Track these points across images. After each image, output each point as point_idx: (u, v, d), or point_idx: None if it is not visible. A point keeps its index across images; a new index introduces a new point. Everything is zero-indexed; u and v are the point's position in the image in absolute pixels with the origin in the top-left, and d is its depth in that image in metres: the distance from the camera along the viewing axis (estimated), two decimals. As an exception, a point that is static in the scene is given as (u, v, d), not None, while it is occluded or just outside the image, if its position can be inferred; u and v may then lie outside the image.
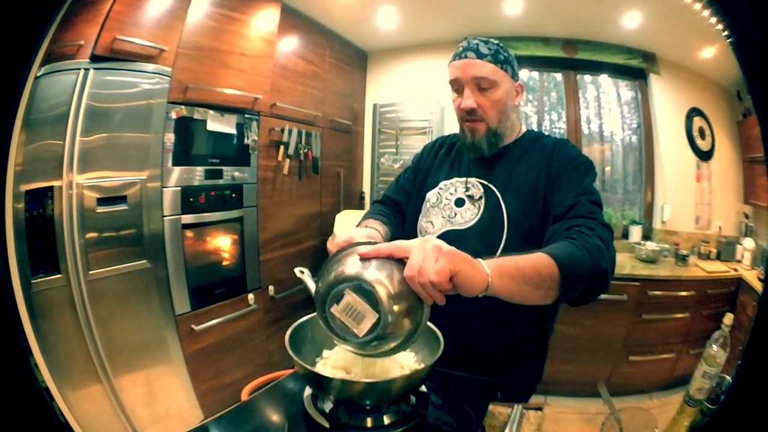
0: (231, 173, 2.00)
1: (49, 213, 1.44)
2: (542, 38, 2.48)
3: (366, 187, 2.79)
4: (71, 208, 1.48)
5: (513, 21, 2.35)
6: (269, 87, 2.13)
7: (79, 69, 1.49)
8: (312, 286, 0.91)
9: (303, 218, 2.37)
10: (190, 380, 1.81)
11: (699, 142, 2.32)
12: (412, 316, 0.65)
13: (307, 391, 0.80)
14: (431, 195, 1.10)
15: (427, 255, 0.63)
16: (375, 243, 0.70)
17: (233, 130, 2.00)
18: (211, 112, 1.90)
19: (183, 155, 1.80)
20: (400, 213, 1.17)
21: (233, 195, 2.02)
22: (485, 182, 1.06)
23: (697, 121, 2.31)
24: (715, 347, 0.80)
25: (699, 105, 2.31)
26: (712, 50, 2.10)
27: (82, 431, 0.96)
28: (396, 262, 0.65)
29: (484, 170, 1.07)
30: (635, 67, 2.45)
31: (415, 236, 1.07)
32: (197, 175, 1.86)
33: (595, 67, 2.54)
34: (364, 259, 0.66)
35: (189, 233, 1.84)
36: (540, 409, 0.90)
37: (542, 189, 1.01)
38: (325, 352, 0.86)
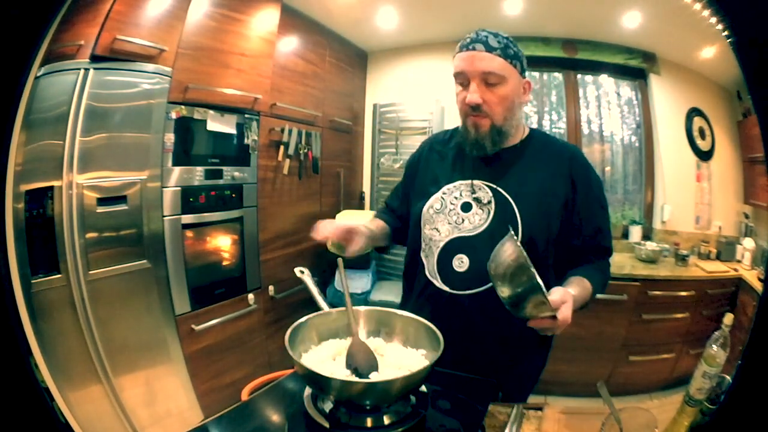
0: (231, 173, 2.00)
1: (49, 213, 1.44)
2: (542, 38, 2.48)
3: (366, 187, 2.78)
4: (71, 208, 1.48)
5: (513, 21, 2.35)
6: (269, 87, 2.13)
7: (79, 69, 1.49)
8: (313, 286, 0.91)
9: (303, 218, 2.37)
10: (190, 380, 1.81)
11: (699, 142, 2.32)
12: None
13: (307, 391, 0.80)
14: (434, 201, 1.05)
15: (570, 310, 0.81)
16: None
17: (233, 130, 2.00)
18: (211, 112, 1.90)
19: (183, 155, 1.80)
20: (396, 215, 1.19)
21: (233, 195, 2.02)
22: (493, 185, 1.01)
23: (697, 121, 2.31)
24: (715, 347, 0.80)
25: (699, 105, 2.31)
26: (712, 50, 2.10)
27: (82, 431, 0.96)
28: None
29: (491, 172, 1.03)
30: (635, 67, 2.45)
31: (419, 247, 1.06)
32: (197, 175, 1.86)
33: (595, 67, 2.54)
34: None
35: (189, 233, 1.84)
36: (540, 409, 0.90)
37: (560, 200, 1.00)
38: (313, 347, 0.86)
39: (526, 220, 0.98)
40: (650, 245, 2.33)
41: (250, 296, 2.09)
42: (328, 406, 0.75)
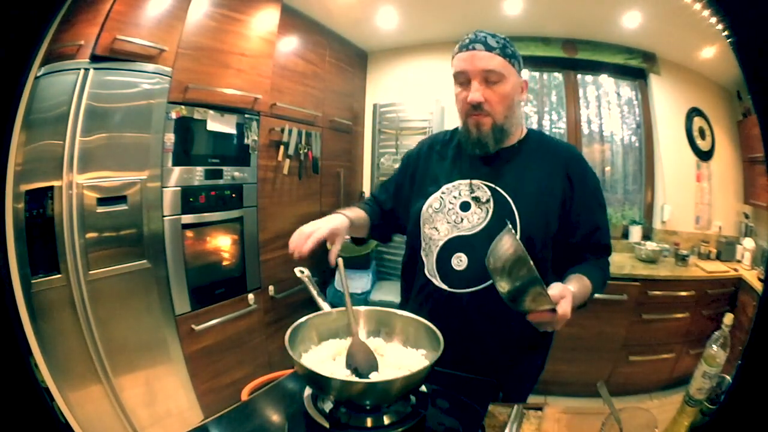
0: (231, 173, 2.00)
1: (49, 213, 1.44)
2: (542, 38, 2.48)
3: (366, 187, 2.78)
4: (71, 208, 1.48)
5: (513, 21, 2.35)
6: (269, 87, 2.13)
7: (79, 69, 1.49)
8: (313, 287, 0.91)
9: (303, 218, 2.35)
10: (190, 380, 1.81)
11: (699, 142, 2.32)
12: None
13: (307, 391, 0.80)
14: (433, 200, 1.06)
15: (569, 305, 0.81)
16: None
17: (233, 130, 2.00)
18: (211, 112, 1.90)
19: (183, 155, 1.80)
20: (381, 209, 1.18)
21: (233, 195, 2.02)
22: (491, 184, 1.02)
23: (697, 121, 2.31)
24: (715, 347, 0.80)
25: (699, 105, 2.31)
26: (712, 50, 2.10)
27: (82, 431, 0.96)
28: None
29: (489, 172, 1.04)
30: (635, 67, 2.45)
31: (419, 245, 1.07)
32: (197, 175, 1.86)
33: (595, 67, 2.54)
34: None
35: (189, 233, 1.84)
36: (540, 409, 0.90)
37: (558, 198, 1.01)
38: (313, 347, 0.86)
39: (525, 219, 0.98)
40: (650, 245, 2.33)
41: (250, 296, 2.09)
42: (328, 406, 0.75)
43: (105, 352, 1.54)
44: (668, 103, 2.42)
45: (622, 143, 2.64)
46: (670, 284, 2.10)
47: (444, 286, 1.01)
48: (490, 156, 1.04)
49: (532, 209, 0.99)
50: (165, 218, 1.74)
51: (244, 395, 0.97)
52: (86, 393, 1.51)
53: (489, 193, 1.02)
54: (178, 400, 1.78)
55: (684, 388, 0.83)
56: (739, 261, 2.14)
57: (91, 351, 1.52)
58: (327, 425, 0.71)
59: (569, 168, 1.03)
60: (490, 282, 0.97)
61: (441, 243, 1.03)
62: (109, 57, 1.55)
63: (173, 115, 1.75)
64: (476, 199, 1.02)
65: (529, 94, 2.65)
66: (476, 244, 0.99)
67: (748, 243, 2.10)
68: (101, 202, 1.56)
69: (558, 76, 2.64)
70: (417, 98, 2.64)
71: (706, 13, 1.52)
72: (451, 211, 1.03)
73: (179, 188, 1.79)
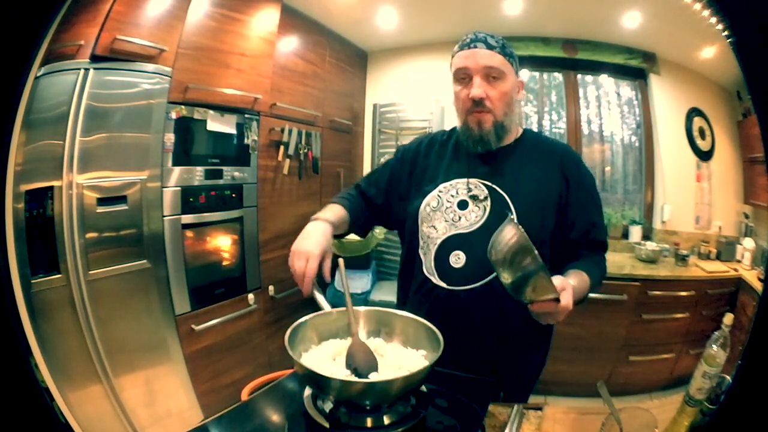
0: (231, 173, 2.00)
1: (49, 213, 1.44)
2: (542, 38, 2.48)
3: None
4: (71, 208, 1.48)
5: (513, 21, 2.35)
6: (269, 87, 2.13)
7: (79, 69, 1.49)
8: (325, 305, 0.90)
9: (303, 218, 2.34)
10: (190, 380, 1.81)
11: (699, 142, 2.32)
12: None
13: (307, 391, 0.80)
14: (430, 199, 1.06)
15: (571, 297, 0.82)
16: None
17: (233, 130, 2.00)
18: (211, 112, 1.90)
19: (183, 155, 1.80)
20: (368, 203, 1.16)
21: (233, 195, 2.02)
22: (489, 183, 1.03)
23: (697, 121, 2.31)
24: (715, 347, 0.80)
25: (699, 105, 2.31)
26: (712, 50, 2.10)
27: (82, 431, 0.96)
28: None
29: (486, 170, 1.05)
30: (635, 67, 2.45)
31: (417, 244, 1.07)
32: (197, 175, 1.86)
33: (595, 67, 2.54)
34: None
35: (189, 233, 1.84)
36: (540, 409, 0.90)
37: (554, 196, 1.02)
38: (313, 347, 0.86)
39: (522, 217, 0.99)
40: (650, 245, 2.33)
41: (250, 296, 2.09)
42: (328, 406, 0.75)
43: (105, 352, 1.54)
44: (668, 103, 2.42)
45: (622, 143, 2.64)
46: (670, 284, 2.10)
47: (443, 284, 1.01)
48: (487, 155, 1.05)
49: (529, 207, 1.00)
50: (165, 218, 1.74)
51: (244, 395, 0.97)
52: (86, 393, 1.51)
53: (486, 191, 1.03)
54: (178, 400, 1.78)
55: (684, 388, 0.83)
56: (739, 261, 2.14)
57: (91, 351, 1.52)
58: (327, 425, 0.71)
59: (565, 166, 1.04)
60: (488, 279, 0.98)
61: (439, 241, 1.03)
62: (109, 57, 1.55)
63: (173, 115, 1.75)
64: (474, 198, 1.03)
65: (529, 94, 2.65)
66: (474, 242, 1.00)
67: (748, 243, 2.10)
68: (101, 202, 1.56)
69: (558, 76, 2.64)
70: (417, 98, 2.64)
71: (706, 13, 1.52)
72: (449, 210, 1.04)
73: (179, 188, 1.79)
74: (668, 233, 2.40)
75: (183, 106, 1.78)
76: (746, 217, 2.14)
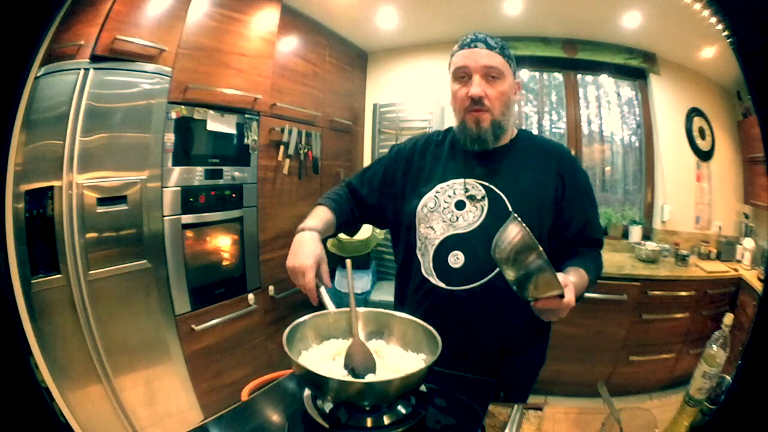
0: (231, 173, 2.00)
1: (49, 213, 1.44)
2: (542, 38, 2.48)
3: (366, 187, 2.78)
4: (71, 208, 1.48)
5: (513, 21, 2.35)
6: (269, 87, 2.13)
7: (79, 69, 1.49)
8: (330, 305, 0.90)
9: (303, 218, 2.36)
10: (190, 380, 1.81)
11: (699, 142, 2.32)
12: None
13: (307, 391, 0.80)
14: (428, 200, 1.06)
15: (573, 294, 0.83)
16: None
17: (233, 130, 2.00)
18: (211, 112, 1.90)
19: (183, 155, 1.80)
20: (357, 202, 1.16)
21: (233, 195, 2.02)
22: (486, 183, 1.04)
23: (697, 121, 2.31)
24: (715, 347, 0.80)
25: (699, 105, 2.31)
26: (712, 50, 2.10)
27: (82, 431, 0.96)
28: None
29: (483, 171, 1.05)
30: (635, 67, 2.45)
31: (414, 244, 1.07)
32: (197, 175, 1.86)
33: (595, 67, 2.54)
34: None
35: (189, 233, 1.84)
36: (540, 409, 0.90)
37: (551, 195, 1.03)
38: (314, 346, 0.86)
39: (519, 216, 0.99)
40: (650, 245, 2.33)
41: (250, 296, 2.09)
42: (328, 406, 0.75)
43: (105, 352, 1.54)
44: (668, 103, 2.42)
45: (622, 143, 2.64)
46: (670, 284, 2.10)
47: (442, 285, 1.02)
48: (483, 155, 1.05)
49: (526, 206, 1.00)
50: (165, 218, 1.74)
51: (244, 395, 0.97)
52: (86, 393, 1.51)
53: (483, 191, 1.03)
54: (178, 400, 1.78)
55: (684, 388, 0.83)
56: (739, 261, 2.14)
57: (91, 351, 1.52)
58: (327, 425, 0.71)
59: (561, 166, 1.05)
60: (488, 278, 0.98)
61: (437, 242, 1.03)
62: (109, 57, 1.55)
63: (173, 115, 1.75)
64: (471, 198, 1.03)
65: (529, 94, 2.65)
66: (472, 242, 1.00)
67: (748, 243, 2.10)
68: (101, 202, 1.56)
69: (558, 76, 2.64)
70: (417, 98, 2.64)
71: (706, 13, 1.52)
72: (447, 210, 1.04)
73: (179, 188, 1.79)
74: (668, 233, 2.40)
75: (183, 106, 1.78)
76: (746, 217, 2.15)
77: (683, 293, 2.08)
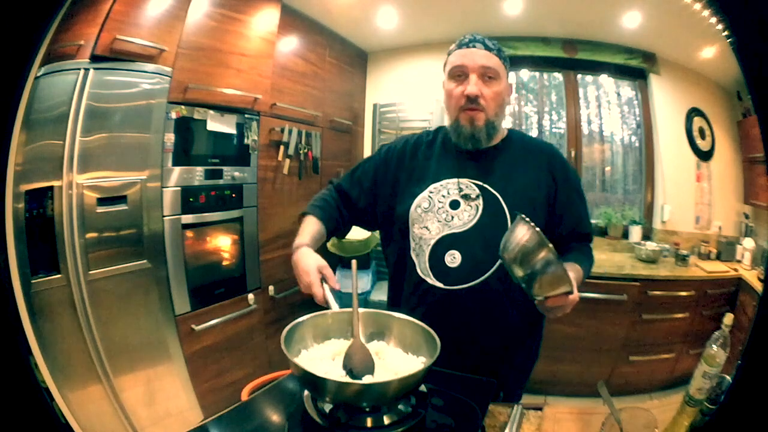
0: (231, 173, 2.00)
1: (49, 213, 1.44)
2: (542, 38, 2.48)
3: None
4: (71, 208, 1.48)
5: (513, 21, 2.35)
6: (269, 87, 2.13)
7: (79, 69, 1.49)
8: (333, 305, 0.90)
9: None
10: (190, 380, 1.81)
11: (699, 142, 2.32)
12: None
13: (307, 390, 0.80)
14: (421, 200, 1.06)
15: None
16: None
17: (233, 130, 2.00)
18: (211, 112, 1.90)
19: (183, 155, 1.80)
20: (348, 204, 1.16)
21: (233, 195, 2.02)
22: (479, 182, 1.05)
23: (697, 121, 2.31)
24: (715, 347, 0.80)
25: (699, 105, 2.31)
26: (712, 50, 2.10)
27: (82, 431, 0.96)
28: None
29: (476, 170, 1.06)
30: (635, 67, 2.45)
31: (408, 245, 1.07)
32: (197, 175, 1.86)
33: (595, 67, 2.54)
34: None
35: (189, 233, 1.84)
36: (540, 409, 0.90)
37: (543, 193, 1.05)
38: (315, 345, 0.86)
39: (514, 214, 1.00)
40: (650, 245, 2.33)
41: (250, 296, 2.09)
42: (327, 406, 0.75)
43: (105, 352, 1.54)
44: (668, 103, 2.42)
45: (622, 143, 2.64)
46: (670, 284, 2.10)
47: (439, 284, 1.02)
48: (476, 154, 1.06)
49: (520, 204, 1.02)
50: (165, 218, 1.74)
51: (244, 395, 0.97)
52: (86, 393, 1.51)
53: (477, 190, 1.04)
54: (178, 400, 1.78)
55: (684, 388, 0.83)
56: (739, 261, 2.14)
57: (91, 351, 1.52)
58: (326, 425, 0.71)
59: (552, 165, 1.08)
60: (485, 277, 0.99)
61: (432, 242, 1.04)
62: (109, 57, 1.55)
63: (173, 115, 1.75)
64: (466, 197, 1.04)
65: (529, 94, 2.65)
66: (469, 241, 1.01)
67: (748, 243, 2.10)
68: (101, 202, 1.56)
69: (558, 76, 2.64)
70: (417, 98, 2.64)
71: (706, 13, 1.52)
72: (441, 210, 1.05)
73: (179, 188, 1.79)
74: (668, 233, 2.40)
75: (183, 106, 1.78)
76: (746, 217, 2.15)
77: (683, 293, 2.08)
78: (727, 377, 0.77)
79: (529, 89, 2.69)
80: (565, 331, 1.99)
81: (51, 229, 1.44)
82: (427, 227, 1.05)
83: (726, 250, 2.19)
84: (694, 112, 2.32)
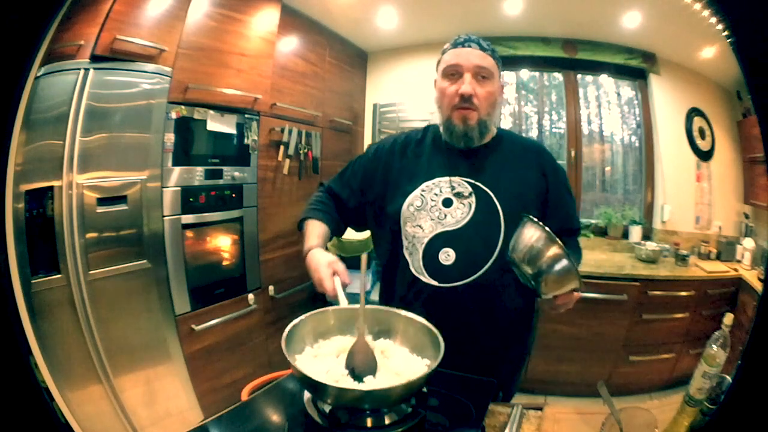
0: (231, 173, 2.00)
1: (49, 213, 1.44)
2: (542, 38, 2.48)
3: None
4: (71, 208, 1.48)
5: (513, 21, 2.35)
6: (269, 87, 2.13)
7: (79, 69, 1.49)
8: (343, 300, 0.90)
9: (303, 218, 2.37)
10: (190, 380, 1.81)
11: (699, 142, 2.32)
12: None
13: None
14: (413, 198, 1.07)
15: None
16: None
17: (233, 130, 2.00)
18: (211, 112, 1.90)
19: (183, 155, 1.80)
20: (339, 206, 1.17)
21: (233, 195, 2.02)
22: (471, 180, 1.06)
23: (697, 121, 2.31)
24: (715, 347, 0.80)
25: (699, 105, 2.31)
26: (712, 50, 2.10)
27: (82, 431, 0.96)
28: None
29: (468, 168, 1.07)
30: (635, 67, 2.45)
31: (400, 244, 1.07)
32: (197, 175, 1.86)
33: (595, 67, 2.54)
34: None
35: (189, 233, 1.84)
36: (540, 409, 0.90)
37: (535, 191, 1.07)
38: (320, 341, 0.86)
39: (507, 211, 1.03)
40: (650, 245, 2.33)
41: (250, 296, 2.09)
42: (327, 406, 0.75)
43: (105, 352, 1.54)
44: (668, 103, 2.42)
45: (622, 143, 2.64)
46: (670, 284, 2.10)
47: (434, 282, 1.02)
48: (467, 153, 1.07)
49: (513, 202, 1.03)
50: (165, 218, 1.74)
51: (244, 395, 0.97)
52: (86, 393, 1.51)
53: (470, 188, 1.05)
54: (178, 400, 1.78)
55: (684, 388, 0.83)
56: (739, 261, 2.14)
57: (91, 351, 1.52)
58: (327, 425, 0.71)
59: (542, 163, 1.10)
60: (479, 273, 1.00)
61: (426, 240, 1.04)
62: (109, 57, 1.55)
63: (173, 115, 1.75)
64: (458, 195, 1.05)
65: (529, 94, 2.65)
66: (462, 238, 1.02)
67: (748, 243, 2.10)
68: (101, 202, 1.56)
69: (558, 76, 2.64)
70: (417, 98, 2.64)
71: (706, 13, 1.52)
72: (434, 208, 1.05)
73: (179, 188, 1.79)
74: (668, 233, 2.40)
75: (183, 106, 1.78)
76: (746, 217, 2.15)
77: (683, 293, 2.08)
78: (727, 377, 0.77)
79: (529, 89, 2.69)
80: (565, 331, 1.99)
81: (51, 229, 1.44)
82: (420, 225, 1.05)
83: (726, 250, 2.19)
84: (694, 112, 2.32)
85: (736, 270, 2.09)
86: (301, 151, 2.31)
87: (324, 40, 2.46)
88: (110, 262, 1.58)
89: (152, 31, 1.67)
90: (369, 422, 0.72)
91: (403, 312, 0.90)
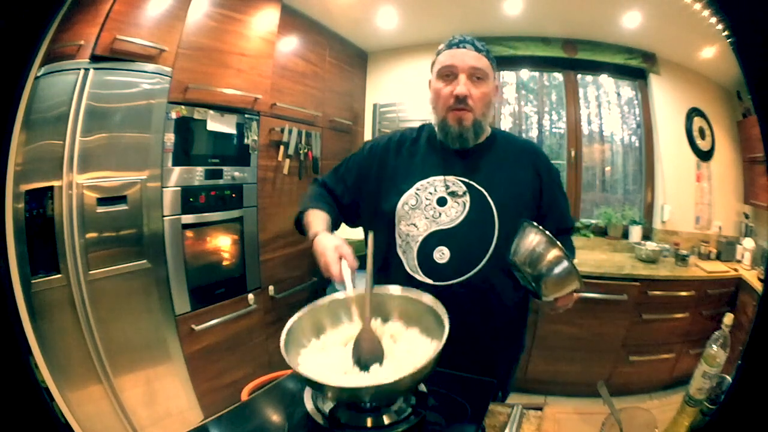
0: (231, 173, 2.00)
1: (49, 213, 1.44)
2: (542, 38, 2.48)
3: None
4: (71, 208, 1.48)
5: (513, 21, 2.35)
6: (269, 87, 2.13)
7: (79, 69, 1.49)
8: (349, 286, 0.89)
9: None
10: (190, 380, 1.81)
11: (699, 142, 2.32)
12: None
13: (308, 390, 0.80)
14: (408, 197, 1.07)
15: None
16: None
17: (233, 130, 2.00)
18: (211, 112, 1.90)
19: (183, 155, 1.80)
20: (333, 201, 1.16)
21: (233, 195, 2.02)
22: (466, 180, 1.06)
23: (697, 121, 2.31)
24: (715, 347, 0.80)
25: (699, 105, 2.31)
26: (712, 50, 2.10)
27: (82, 431, 0.96)
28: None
29: (462, 168, 1.07)
30: (635, 67, 2.45)
31: (393, 242, 1.07)
32: (197, 175, 1.86)
33: (595, 67, 2.54)
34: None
35: (189, 233, 1.84)
36: (540, 409, 0.90)
37: (530, 191, 1.08)
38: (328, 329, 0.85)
39: (501, 210, 1.04)
40: (650, 245, 2.33)
41: (250, 296, 2.09)
42: (328, 405, 0.75)
43: (105, 352, 1.54)
44: (668, 103, 2.42)
45: (622, 143, 2.64)
46: (670, 284, 2.10)
47: (428, 281, 1.03)
48: (462, 153, 1.08)
49: (507, 201, 1.04)
50: (165, 218, 1.74)
51: (244, 395, 0.97)
52: (86, 393, 1.51)
53: (464, 187, 1.06)
54: (178, 400, 1.78)
55: (684, 388, 0.83)
56: (739, 261, 2.14)
57: (91, 351, 1.52)
58: (327, 425, 0.71)
59: (536, 163, 1.11)
60: (474, 271, 1.01)
61: (421, 238, 1.04)
62: (109, 57, 1.55)
63: (173, 115, 1.75)
64: (452, 194, 1.05)
65: (529, 94, 2.65)
66: (457, 237, 1.03)
67: (748, 243, 2.10)
68: (101, 202, 1.56)
69: (558, 76, 2.64)
70: (417, 98, 2.63)
71: (706, 13, 1.52)
72: (429, 207, 1.06)
73: (179, 188, 1.79)
74: (668, 233, 2.40)
75: (183, 106, 1.78)
76: (746, 217, 2.15)
77: (683, 293, 2.08)
78: (727, 377, 0.77)
79: (529, 89, 2.69)
80: (565, 331, 1.99)
81: (51, 229, 1.44)
82: (414, 224, 1.05)
83: (726, 250, 2.19)
84: (694, 112, 2.32)
85: (736, 270, 2.09)
86: (301, 151, 2.31)
87: (324, 40, 2.46)
88: (110, 262, 1.58)
89: (152, 31, 1.67)
90: (369, 422, 0.72)
91: (407, 291, 0.89)
